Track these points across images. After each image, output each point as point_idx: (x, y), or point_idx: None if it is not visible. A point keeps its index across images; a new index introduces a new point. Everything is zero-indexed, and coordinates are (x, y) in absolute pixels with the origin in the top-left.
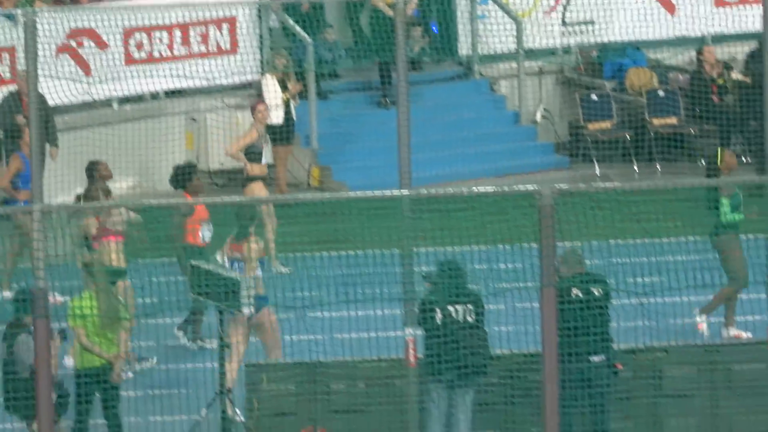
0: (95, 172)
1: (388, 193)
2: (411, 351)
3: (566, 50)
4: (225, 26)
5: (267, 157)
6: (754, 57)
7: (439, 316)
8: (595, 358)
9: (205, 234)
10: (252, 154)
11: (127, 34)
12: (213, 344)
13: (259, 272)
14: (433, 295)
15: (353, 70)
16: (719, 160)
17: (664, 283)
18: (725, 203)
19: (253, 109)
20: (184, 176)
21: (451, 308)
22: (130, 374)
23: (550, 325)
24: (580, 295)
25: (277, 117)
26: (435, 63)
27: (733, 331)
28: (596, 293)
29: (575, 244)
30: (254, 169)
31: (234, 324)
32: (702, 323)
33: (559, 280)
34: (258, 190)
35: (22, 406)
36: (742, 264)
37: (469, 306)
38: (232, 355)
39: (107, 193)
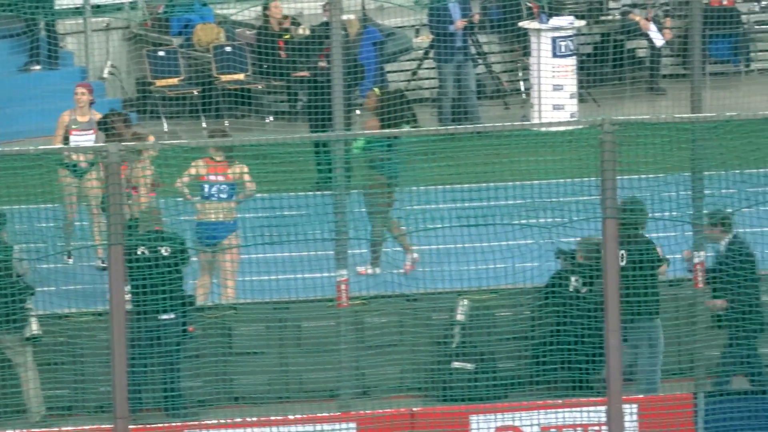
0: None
1: None
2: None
3: (133, 6)
4: None
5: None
6: None
7: None
8: (164, 317)
9: None
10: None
11: None
12: None
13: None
14: None
15: None
16: None
17: None
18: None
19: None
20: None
21: None
22: None
23: (117, 283)
24: (147, 253)
25: None
26: None
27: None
28: (164, 252)
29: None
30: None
31: None
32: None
33: (130, 239)
34: None
35: None
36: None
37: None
38: None
39: None
